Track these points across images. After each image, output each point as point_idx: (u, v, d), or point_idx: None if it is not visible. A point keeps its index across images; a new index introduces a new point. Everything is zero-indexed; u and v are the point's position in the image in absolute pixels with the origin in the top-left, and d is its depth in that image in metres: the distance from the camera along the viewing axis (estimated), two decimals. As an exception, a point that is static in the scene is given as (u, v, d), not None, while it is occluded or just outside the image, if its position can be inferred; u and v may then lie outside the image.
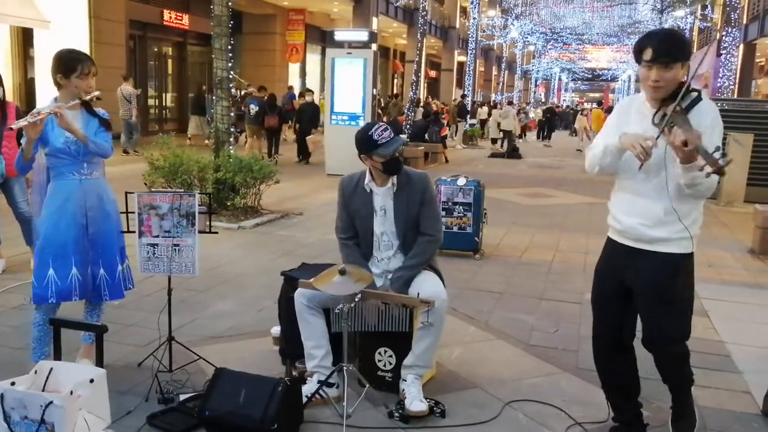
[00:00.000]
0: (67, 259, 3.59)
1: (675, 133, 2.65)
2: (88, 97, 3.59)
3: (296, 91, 23.05)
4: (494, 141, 24.45)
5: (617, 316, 3.17)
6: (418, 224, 3.75)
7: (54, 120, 3.54)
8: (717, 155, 2.55)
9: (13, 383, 2.83)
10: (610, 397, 3.38)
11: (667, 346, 3.09)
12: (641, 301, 3.07)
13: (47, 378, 2.93)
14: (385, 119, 17.30)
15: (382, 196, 3.77)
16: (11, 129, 3.51)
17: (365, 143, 3.65)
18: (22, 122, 3.34)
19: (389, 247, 3.81)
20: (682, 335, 3.10)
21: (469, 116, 27.20)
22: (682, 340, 3.11)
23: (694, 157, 2.62)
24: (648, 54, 2.85)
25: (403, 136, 15.51)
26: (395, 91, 37.54)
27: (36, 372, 2.95)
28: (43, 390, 2.89)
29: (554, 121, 28.56)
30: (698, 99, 2.85)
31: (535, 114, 33.42)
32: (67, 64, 3.57)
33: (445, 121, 21.87)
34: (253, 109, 15.83)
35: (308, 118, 16.00)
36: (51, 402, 2.66)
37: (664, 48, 2.83)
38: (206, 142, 14.93)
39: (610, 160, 3.01)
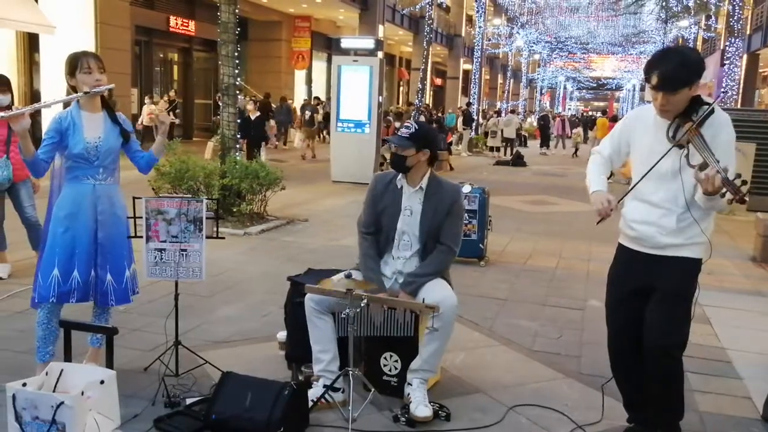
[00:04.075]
0: (71, 262, 3.62)
1: (708, 174, 2.68)
2: (94, 90, 3.58)
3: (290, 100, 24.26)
4: (492, 149, 24.35)
5: (634, 318, 3.19)
6: (440, 234, 3.81)
7: (74, 125, 3.57)
8: (738, 182, 2.62)
9: (24, 384, 2.87)
10: (629, 397, 3.41)
11: (669, 349, 3.08)
12: (655, 304, 3.11)
13: (58, 379, 2.97)
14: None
15: (409, 196, 3.84)
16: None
17: None
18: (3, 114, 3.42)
19: (408, 247, 3.86)
20: (684, 341, 3.13)
21: (474, 124, 27.18)
22: (683, 347, 3.13)
23: (719, 190, 2.67)
24: (654, 80, 2.88)
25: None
26: (401, 99, 37.55)
27: (47, 373, 2.99)
28: (53, 391, 2.92)
29: (548, 129, 28.29)
30: (711, 112, 2.89)
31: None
32: (71, 62, 3.63)
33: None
34: (309, 114, 18.26)
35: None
36: (62, 402, 2.70)
37: (670, 77, 2.86)
38: None
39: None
